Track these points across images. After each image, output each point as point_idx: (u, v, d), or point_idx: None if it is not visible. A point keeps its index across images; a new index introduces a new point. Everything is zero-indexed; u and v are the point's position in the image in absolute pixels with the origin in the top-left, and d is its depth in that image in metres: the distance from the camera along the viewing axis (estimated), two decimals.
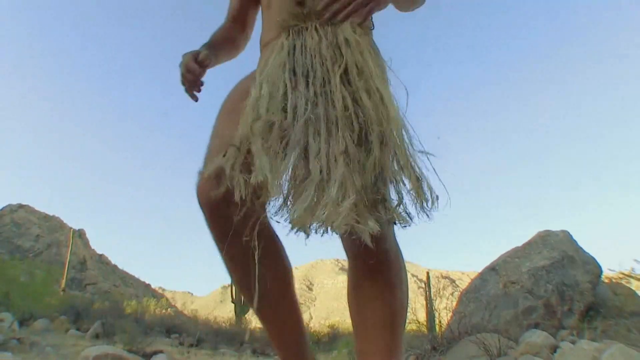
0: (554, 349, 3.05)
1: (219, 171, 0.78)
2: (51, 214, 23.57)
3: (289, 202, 0.77)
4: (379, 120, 0.78)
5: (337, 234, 0.77)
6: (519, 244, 5.41)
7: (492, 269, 5.16)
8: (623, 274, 4.72)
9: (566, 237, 5.10)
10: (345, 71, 0.82)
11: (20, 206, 22.34)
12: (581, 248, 4.99)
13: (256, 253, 0.75)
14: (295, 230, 0.73)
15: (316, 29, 0.89)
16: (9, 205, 21.90)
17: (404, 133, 0.81)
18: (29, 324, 5.78)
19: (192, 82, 1.02)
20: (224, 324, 9.46)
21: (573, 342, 3.13)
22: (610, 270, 4.81)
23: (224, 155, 0.78)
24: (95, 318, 6.57)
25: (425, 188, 0.78)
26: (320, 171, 0.72)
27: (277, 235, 0.96)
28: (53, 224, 22.64)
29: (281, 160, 0.75)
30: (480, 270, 5.45)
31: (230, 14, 1.23)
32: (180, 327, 8.03)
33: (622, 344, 2.37)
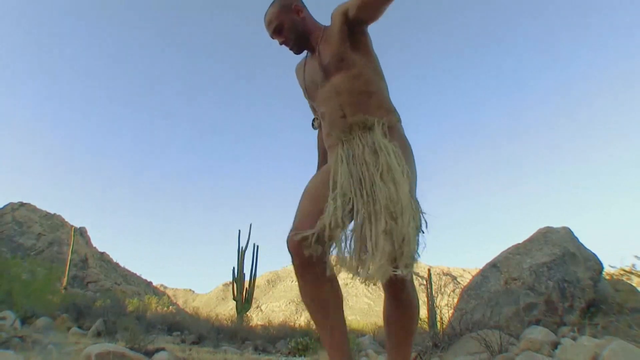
0: (555, 345, 3.06)
1: (309, 237, 1.23)
2: (52, 212, 23.67)
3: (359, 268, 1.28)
4: (397, 203, 1.25)
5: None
6: (520, 240, 5.39)
7: (493, 265, 5.16)
8: (624, 270, 4.72)
9: (567, 233, 5.08)
10: (381, 173, 1.30)
11: (22, 204, 22.39)
12: (582, 244, 4.98)
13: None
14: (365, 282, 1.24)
15: (359, 137, 1.40)
16: (11, 203, 21.95)
17: (412, 211, 1.25)
18: (31, 322, 5.81)
19: None
20: (225, 322, 9.50)
21: (574, 339, 3.13)
22: (611, 266, 4.81)
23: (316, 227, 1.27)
24: (97, 316, 6.60)
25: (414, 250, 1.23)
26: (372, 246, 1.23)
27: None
28: (54, 222, 22.71)
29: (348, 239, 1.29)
30: (481, 266, 5.44)
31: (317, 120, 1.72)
32: (182, 325, 8.06)
33: (622, 340, 2.37)
